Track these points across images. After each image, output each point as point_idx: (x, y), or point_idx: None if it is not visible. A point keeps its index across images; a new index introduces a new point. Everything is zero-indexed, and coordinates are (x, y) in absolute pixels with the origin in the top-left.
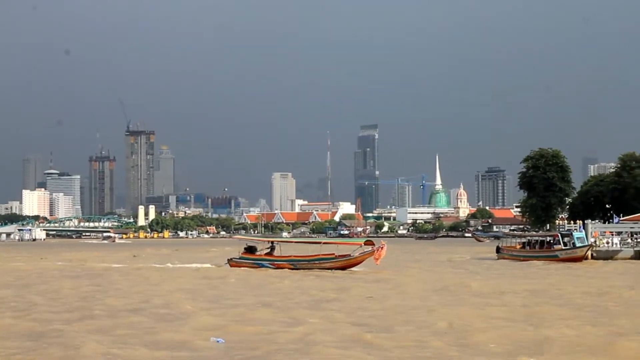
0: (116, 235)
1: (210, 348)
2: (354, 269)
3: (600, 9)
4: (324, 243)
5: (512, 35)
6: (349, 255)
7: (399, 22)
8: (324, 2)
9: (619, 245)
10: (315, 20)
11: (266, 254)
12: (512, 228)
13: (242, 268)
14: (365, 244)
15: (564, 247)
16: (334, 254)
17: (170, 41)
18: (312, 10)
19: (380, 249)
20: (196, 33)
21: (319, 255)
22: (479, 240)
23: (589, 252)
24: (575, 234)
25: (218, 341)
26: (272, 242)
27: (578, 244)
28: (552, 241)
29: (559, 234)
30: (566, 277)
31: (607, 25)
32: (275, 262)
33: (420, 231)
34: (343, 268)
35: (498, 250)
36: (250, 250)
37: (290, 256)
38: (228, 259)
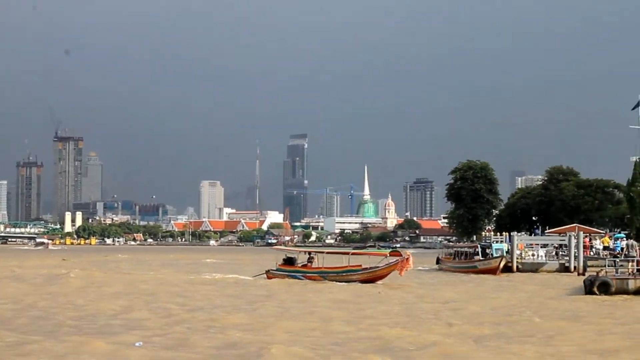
0: (49, 241)
1: None
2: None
3: (519, 23)
4: (352, 254)
5: (440, 42)
6: (376, 267)
7: (326, 33)
8: (254, 13)
9: (544, 258)
10: (245, 30)
11: (302, 266)
12: (444, 239)
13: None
14: (390, 255)
15: (481, 259)
16: (361, 265)
17: (100, 47)
18: (243, 20)
19: (406, 260)
20: (127, 41)
21: (347, 267)
22: None
23: (514, 264)
24: (495, 246)
25: (137, 344)
26: (310, 253)
27: (496, 255)
28: (473, 252)
29: (479, 245)
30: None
31: (540, 34)
32: (307, 275)
33: (348, 241)
34: (370, 280)
35: (438, 261)
36: (290, 261)
37: (321, 268)
38: (266, 271)
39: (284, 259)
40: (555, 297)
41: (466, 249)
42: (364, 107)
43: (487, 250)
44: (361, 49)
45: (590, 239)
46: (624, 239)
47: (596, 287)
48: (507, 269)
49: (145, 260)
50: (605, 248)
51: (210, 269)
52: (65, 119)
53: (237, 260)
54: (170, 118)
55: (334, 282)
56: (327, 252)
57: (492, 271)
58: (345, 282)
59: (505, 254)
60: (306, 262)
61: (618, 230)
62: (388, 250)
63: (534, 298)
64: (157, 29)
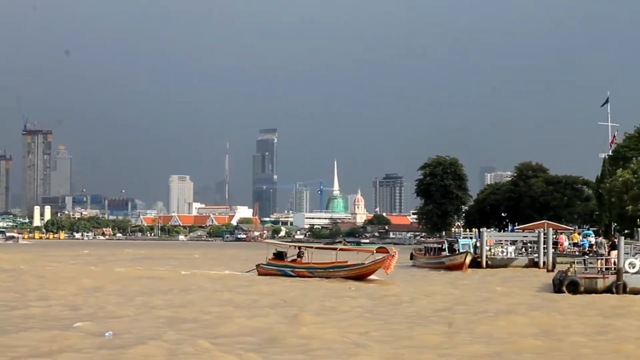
0: (19, 235)
1: None
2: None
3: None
4: (340, 249)
5: (412, 38)
6: (362, 263)
7: (295, 27)
8: (224, 9)
9: (513, 254)
10: (212, 24)
11: (292, 261)
12: (414, 235)
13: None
14: (377, 251)
15: (447, 254)
16: (347, 261)
17: (69, 40)
18: (211, 17)
19: (391, 257)
20: (96, 35)
21: (334, 263)
22: None
23: (484, 260)
24: (461, 241)
25: (107, 334)
26: (300, 248)
27: (462, 251)
28: (441, 248)
29: (445, 241)
30: None
31: (509, 34)
32: (296, 270)
33: (318, 236)
34: (357, 277)
35: (412, 257)
36: (280, 256)
37: (309, 263)
38: (256, 265)
39: (274, 254)
40: (524, 296)
41: (434, 245)
42: (334, 103)
43: (454, 246)
44: (330, 47)
45: (557, 235)
46: (592, 235)
47: (565, 286)
48: (477, 264)
49: (107, 256)
50: (574, 244)
51: (187, 266)
52: (34, 112)
53: (211, 255)
54: (139, 112)
55: (322, 278)
56: (316, 247)
57: (459, 267)
58: (332, 278)
59: (471, 249)
60: (296, 257)
61: (587, 226)
62: (375, 247)
63: (500, 297)
64: (127, 25)
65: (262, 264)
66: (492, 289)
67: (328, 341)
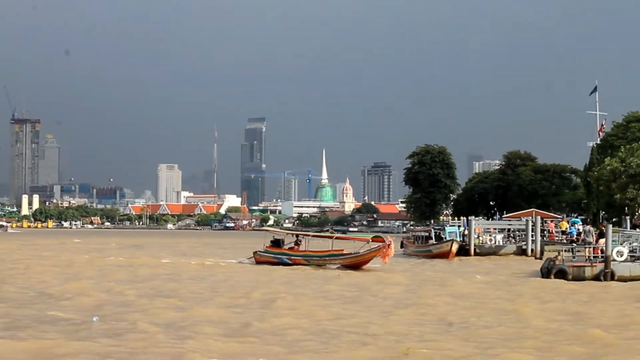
0: (8, 224)
1: None
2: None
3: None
4: (336, 238)
5: (408, 34)
6: (357, 252)
7: (284, 17)
8: (215, 3)
9: (502, 242)
10: (205, 18)
11: (289, 249)
12: (402, 223)
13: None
14: (373, 240)
15: (434, 242)
16: (342, 250)
17: (58, 30)
18: (201, 7)
19: (387, 246)
20: (85, 25)
21: (330, 251)
22: None
23: (472, 248)
24: (447, 229)
25: (94, 319)
26: (298, 236)
27: (448, 239)
28: (428, 236)
29: (432, 229)
30: None
31: (500, 24)
32: (292, 257)
33: (306, 225)
34: (353, 266)
35: (402, 245)
36: (277, 243)
37: (305, 251)
38: (254, 253)
39: (271, 241)
40: (510, 284)
41: (422, 233)
42: (323, 92)
43: (441, 234)
44: (321, 40)
45: (544, 223)
46: (580, 223)
47: (553, 274)
48: (465, 252)
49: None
50: (562, 232)
51: (173, 254)
52: (22, 101)
53: (198, 243)
54: (128, 101)
55: (318, 266)
56: (312, 235)
57: (445, 255)
58: (328, 266)
59: (458, 237)
60: (293, 245)
61: (575, 215)
62: (371, 235)
63: (485, 285)
64: (116, 14)
65: (259, 251)
66: (475, 277)
67: (305, 330)
